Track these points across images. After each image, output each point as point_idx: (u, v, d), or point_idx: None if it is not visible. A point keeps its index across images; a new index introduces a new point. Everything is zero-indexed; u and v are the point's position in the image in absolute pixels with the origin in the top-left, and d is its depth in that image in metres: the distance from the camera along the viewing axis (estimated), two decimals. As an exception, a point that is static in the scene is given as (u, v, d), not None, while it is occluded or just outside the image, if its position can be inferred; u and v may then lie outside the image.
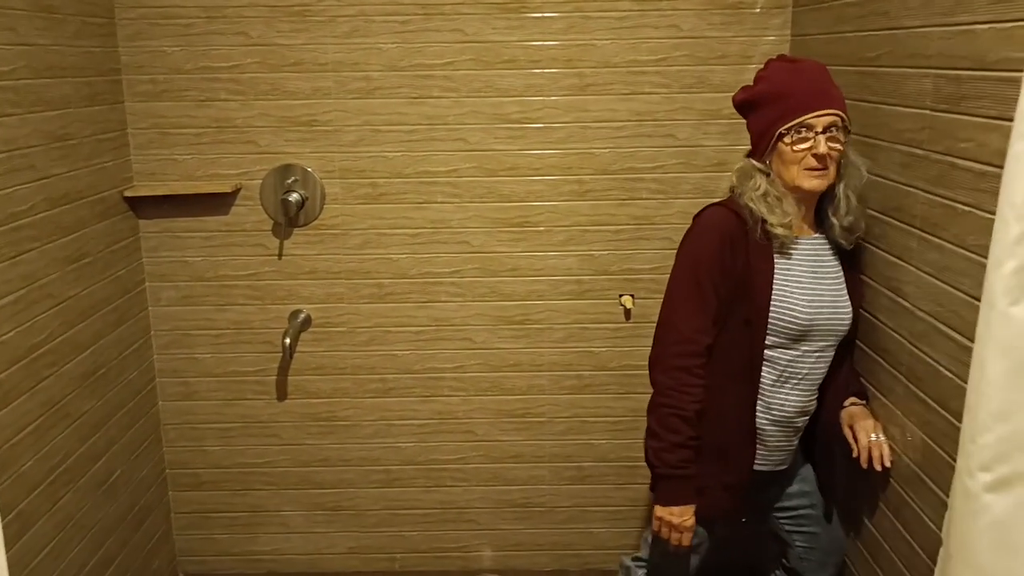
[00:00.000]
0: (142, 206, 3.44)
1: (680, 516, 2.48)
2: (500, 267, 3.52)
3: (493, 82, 3.35)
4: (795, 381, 2.53)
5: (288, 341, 3.44)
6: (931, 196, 2.27)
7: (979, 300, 2.03)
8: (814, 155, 2.37)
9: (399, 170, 3.44)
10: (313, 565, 3.87)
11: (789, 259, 2.49)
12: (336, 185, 3.45)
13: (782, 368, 2.51)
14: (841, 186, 2.47)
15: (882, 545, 2.61)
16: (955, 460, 2.14)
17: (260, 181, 3.44)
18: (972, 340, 2.05)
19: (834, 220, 2.50)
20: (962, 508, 1.65)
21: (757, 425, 2.55)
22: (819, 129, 2.38)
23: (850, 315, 2.54)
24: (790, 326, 2.45)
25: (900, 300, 2.45)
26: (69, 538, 2.94)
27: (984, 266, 1.63)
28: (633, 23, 3.31)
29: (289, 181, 3.42)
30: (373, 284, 3.55)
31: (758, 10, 3.31)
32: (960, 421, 2.11)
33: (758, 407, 2.54)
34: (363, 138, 3.41)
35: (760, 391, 2.53)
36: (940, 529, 2.24)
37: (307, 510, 3.81)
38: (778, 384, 2.53)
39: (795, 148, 2.39)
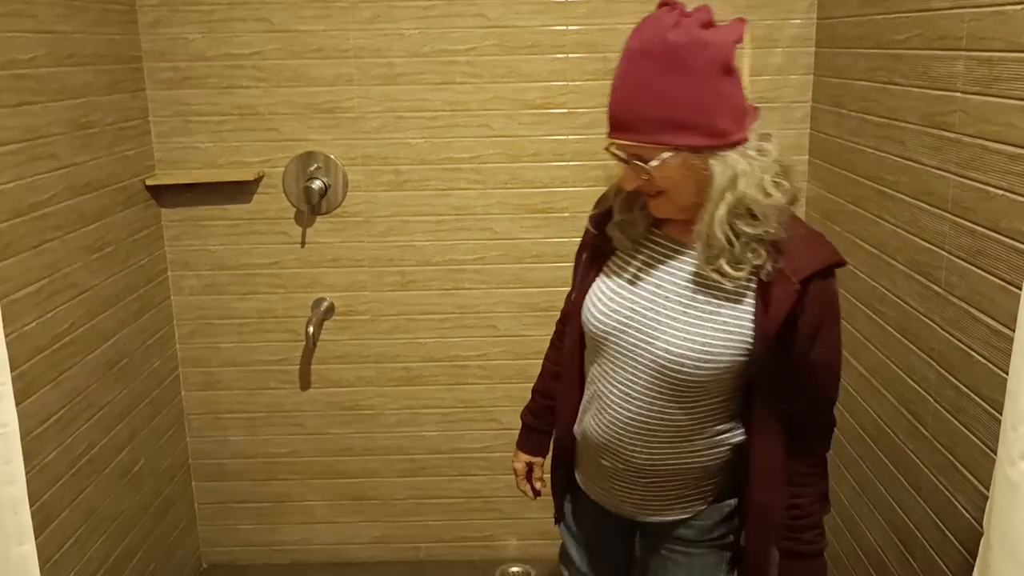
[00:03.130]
0: (164, 194, 3.43)
1: (515, 460, 2.53)
2: (524, 254, 3.49)
3: (516, 67, 3.32)
4: (599, 405, 2.04)
5: (311, 330, 3.43)
6: (963, 180, 2.24)
7: (1014, 286, 2.02)
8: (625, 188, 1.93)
9: (422, 157, 3.42)
10: (338, 555, 3.86)
11: (621, 262, 2.04)
12: (359, 172, 3.43)
13: (590, 379, 2.10)
14: (708, 208, 1.81)
15: (915, 534, 2.57)
16: (989, 447, 2.13)
17: (282, 169, 3.43)
18: (1006, 325, 2.05)
19: (698, 241, 1.87)
20: (1003, 498, 1.60)
21: (575, 432, 2.17)
22: (624, 157, 1.86)
23: (675, 351, 1.87)
24: (586, 325, 2.04)
25: (932, 285, 2.42)
26: (93, 529, 2.94)
27: (1020, 250, 1.60)
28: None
29: (312, 168, 3.40)
30: (396, 272, 3.53)
31: (784, -7, 3.27)
32: (993, 408, 2.10)
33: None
34: (386, 125, 3.39)
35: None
36: (973, 517, 2.22)
37: (331, 499, 3.80)
38: (588, 400, 2.10)
39: (620, 168, 1.92)
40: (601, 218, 2.07)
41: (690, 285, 1.91)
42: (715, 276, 1.84)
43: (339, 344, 3.62)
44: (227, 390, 3.66)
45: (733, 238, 1.79)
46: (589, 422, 2.06)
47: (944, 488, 2.38)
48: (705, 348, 1.85)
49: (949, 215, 2.31)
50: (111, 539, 3.06)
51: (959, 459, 2.30)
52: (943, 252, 2.35)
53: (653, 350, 1.89)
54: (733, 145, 1.77)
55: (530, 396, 2.49)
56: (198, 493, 3.78)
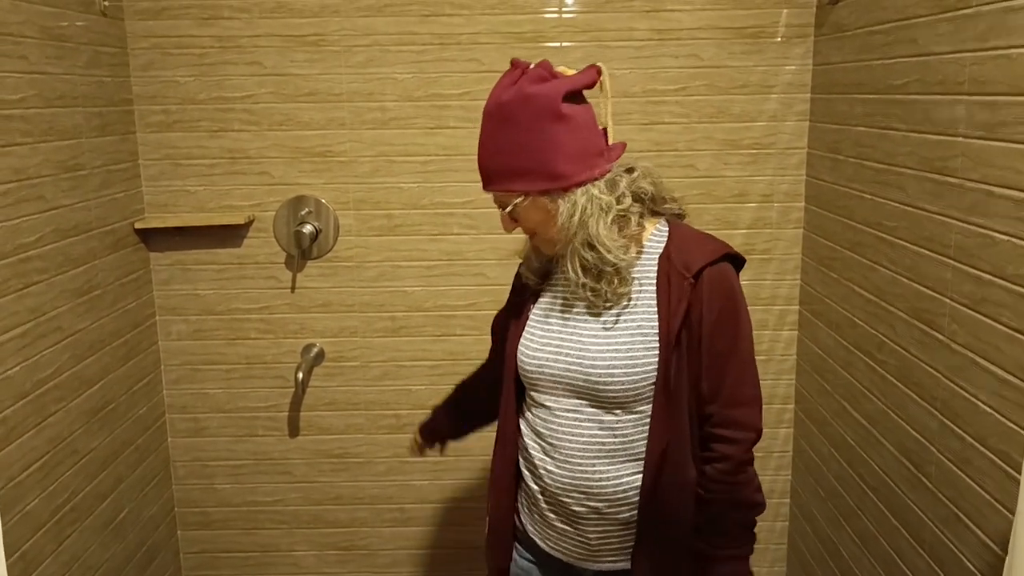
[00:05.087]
0: (153, 238, 3.39)
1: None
2: (517, 300, 3.44)
3: (510, 112, 3.29)
4: (552, 445, 2.07)
5: (301, 376, 3.38)
6: (966, 225, 2.21)
7: (1021, 333, 1.98)
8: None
9: (414, 201, 3.38)
10: (325, 606, 3.79)
11: (543, 301, 2.16)
12: (350, 217, 3.40)
13: (533, 428, 2.13)
14: (562, 245, 2.01)
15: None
16: (996, 499, 2.09)
17: (273, 213, 3.39)
18: (1014, 374, 2.01)
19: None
20: None
21: (529, 488, 2.18)
22: (497, 204, 2.07)
23: (601, 364, 1.98)
24: (521, 366, 2.13)
25: (934, 333, 2.38)
26: (75, 579, 2.87)
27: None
28: (652, 52, 3.26)
29: (303, 213, 3.37)
30: (387, 317, 3.49)
31: (779, 39, 3.26)
32: (1001, 460, 2.06)
33: (523, 465, 2.21)
34: (378, 169, 3.36)
35: (521, 448, 2.21)
36: (979, 571, 2.17)
37: (319, 550, 3.73)
38: (537, 450, 2.12)
39: None
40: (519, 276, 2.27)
41: (594, 304, 2.04)
42: (581, 302, 2.04)
43: (328, 391, 3.57)
44: (214, 437, 3.60)
45: (580, 271, 1.97)
46: (548, 469, 2.09)
47: (949, 541, 2.33)
48: (628, 355, 1.97)
49: (952, 261, 2.28)
50: (93, 590, 2.99)
51: (964, 511, 2.25)
52: (945, 299, 2.32)
53: (583, 369, 2.00)
54: (579, 184, 1.94)
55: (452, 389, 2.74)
56: (183, 542, 3.70)
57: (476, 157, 2.02)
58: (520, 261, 2.24)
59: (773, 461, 3.59)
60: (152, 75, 3.28)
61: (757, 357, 2.06)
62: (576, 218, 1.93)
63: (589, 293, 1.99)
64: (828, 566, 3.19)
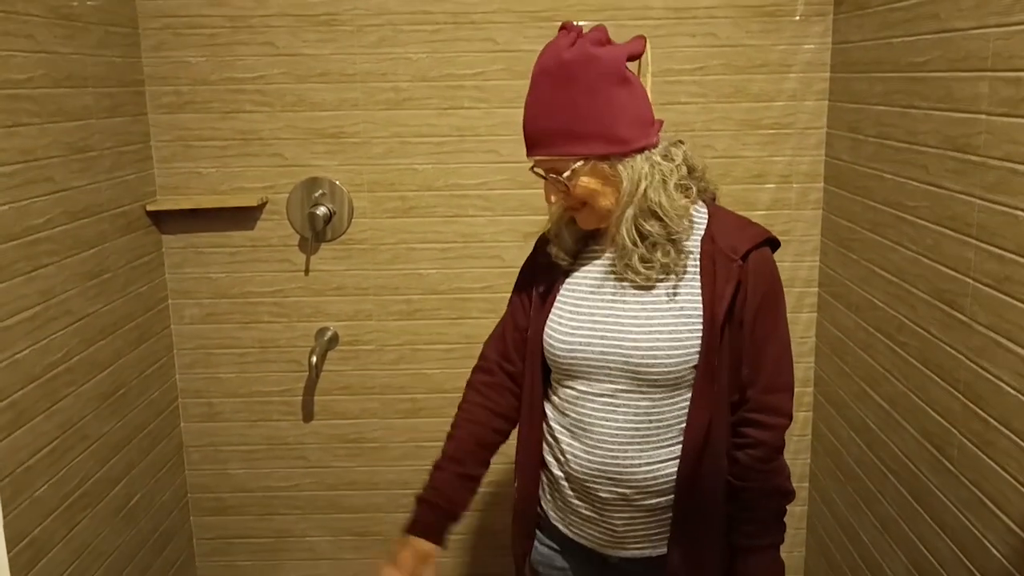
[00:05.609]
0: (165, 221, 3.37)
1: (399, 549, 2.15)
2: (532, 283, 3.41)
3: (524, 92, 3.23)
4: (582, 432, 2.02)
5: (315, 360, 3.35)
6: (989, 204, 2.16)
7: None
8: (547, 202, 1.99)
9: (429, 183, 3.35)
10: (340, 591, 3.77)
11: (573, 281, 2.08)
12: (364, 198, 3.37)
13: (561, 413, 2.08)
14: (617, 213, 1.94)
15: (941, 574, 2.48)
16: (1020, 482, 2.04)
17: (286, 195, 3.36)
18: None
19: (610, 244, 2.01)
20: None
21: (552, 475, 2.14)
22: (541, 172, 1.96)
23: (644, 346, 1.93)
24: (551, 351, 2.05)
25: (956, 313, 2.34)
26: (86, 566, 2.85)
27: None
28: (668, 31, 3.22)
29: (316, 195, 3.34)
30: (402, 300, 3.46)
31: (797, 18, 3.21)
32: (1027, 441, 2.02)
33: (547, 452, 2.15)
34: (392, 150, 3.33)
35: (546, 433, 2.15)
36: (1003, 555, 2.13)
37: (334, 535, 3.71)
38: (564, 435, 2.07)
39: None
40: (539, 258, 2.18)
41: (639, 284, 1.98)
42: (630, 275, 1.95)
43: (343, 375, 3.54)
44: (227, 422, 3.58)
45: (638, 239, 1.91)
46: (575, 455, 2.03)
47: (972, 525, 2.29)
48: (672, 336, 1.92)
49: (974, 240, 2.23)
50: None
51: (987, 495, 2.21)
52: (968, 279, 2.27)
53: (623, 352, 1.94)
54: (639, 151, 1.90)
55: (432, 469, 2.21)
56: (197, 528, 3.69)
57: (523, 121, 1.95)
58: (536, 242, 2.20)
59: (792, 444, 3.54)
60: (163, 55, 3.25)
61: (776, 339, 2.03)
62: (641, 185, 1.88)
63: (641, 265, 1.92)
64: (847, 551, 3.15)
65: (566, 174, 1.90)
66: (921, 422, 2.56)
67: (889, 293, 2.75)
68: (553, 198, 1.97)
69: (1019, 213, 2.03)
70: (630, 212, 1.89)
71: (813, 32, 3.22)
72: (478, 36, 3.24)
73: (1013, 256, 2.06)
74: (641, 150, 1.90)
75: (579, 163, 1.89)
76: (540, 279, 2.14)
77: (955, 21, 2.34)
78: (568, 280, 2.08)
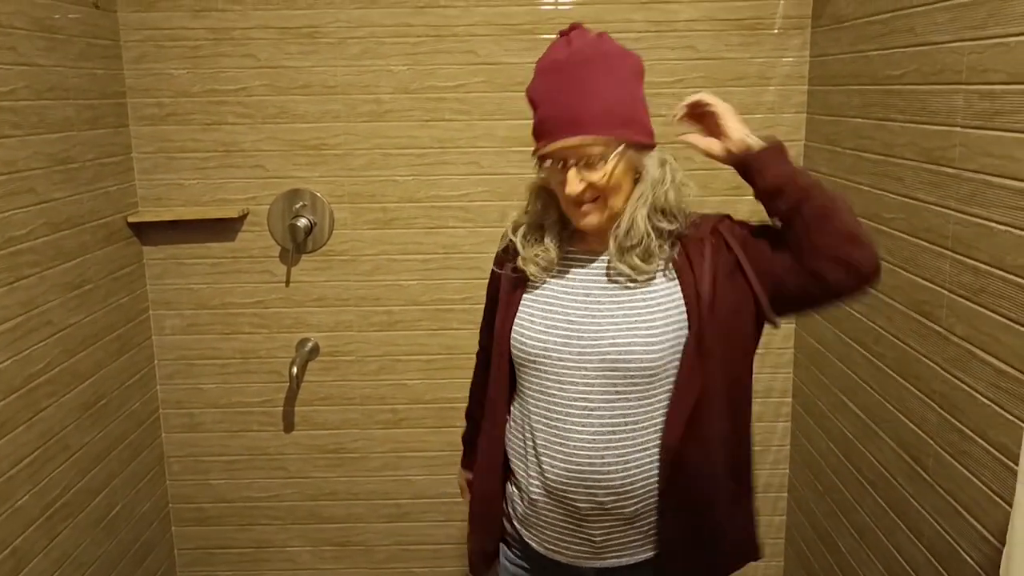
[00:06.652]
0: (146, 232, 3.37)
1: (461, 477, 2.56)
2: (513, 294, 3.42)
3: (505, 104, 3.28)
4: (554, 439, 1.97)
5: (295, 370, 3.35)
6: (964, 216, 2.19)
7: (1020, 324, 1.96)
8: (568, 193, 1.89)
9: (410, 194, 3.36)
10: (321, 602, 3.77)
11: (542, 283, 2.05)
12: (345, 210, 3.38)
13: (531, 422, 2.02)
14: (632, 205, 1.92)
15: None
16: (994, 492, 2.07)
17: (267, 206, 3.37)
18: (1012, 366, 1.99)
19: (612, 238, 1.93)
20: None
21: (524, 489, 2.07)
22: (571, 161, 1.86)
23: (622, 342, 1.90)
24: (520, 351, 2.03)
25: (932, 324, 2.36)
26: None
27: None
28: (649, 44, 3.24)
29: (297, 206, 3.35)
30: (383, 311, 3.47)
31: (776, 31, 3.24)
32: (1000, 452, 2.04)
33: (518, 467, 2.10)
34: (373, 162, 3.34)
35: (515, 446, 2.11)
36: (978, 564, 2.15)
37: (314, 545, 3.71)
38: (536, 443, 2.02)
39: (556, 179, 1.93)
40: (506, 258, 2.14)
41: (615, 282, 1.97)
42: (626, 270, 1.93)
43: (323, 385, 3.54)
44: (208, 432, 3.58)
45: (651, 232, 1.90)
46: (551, 463, 1.97)
47: (947, 534, 2.31)
48: (648, 332, 1.90)
49: (950, 252, 2.26)
50: (86, 586, 2.97)
51: (962, 504, 2.23)
52: (943, 290, 2.30)
53: (601, 350, 1.91)
54: (655, 147, 1.94)
55: (465, 422, 2.49)
56: (177, 539, 3.68)
57: (544, 108, 1.91)
58: (497, 256, 2.18)
59: (771, 455, 3.56)
60: (145, 68, 3.25)
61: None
62: (665, 180, 1.90)
63: (637, 260, 1.90)
64: (826, 560, 3.17)
65: (612, 159, 1.85)
66: (898, 432, 2.58)
67: (866, 304, 2.77)
68: (575, 188, 1.86)
69: (993, 225, 2.06)
70: (646, 207, 1.89)
71: (791, 45, 3.25)
72: (459, 49, 3.26)
73: (988, 267, 2.09)
74: (655, 146, 1.94)
75: (621, 147, 1.85)
76: (503, 286, 2.12)
77: (931, 35, 2.36)
78: (531, 287, 2.05)
